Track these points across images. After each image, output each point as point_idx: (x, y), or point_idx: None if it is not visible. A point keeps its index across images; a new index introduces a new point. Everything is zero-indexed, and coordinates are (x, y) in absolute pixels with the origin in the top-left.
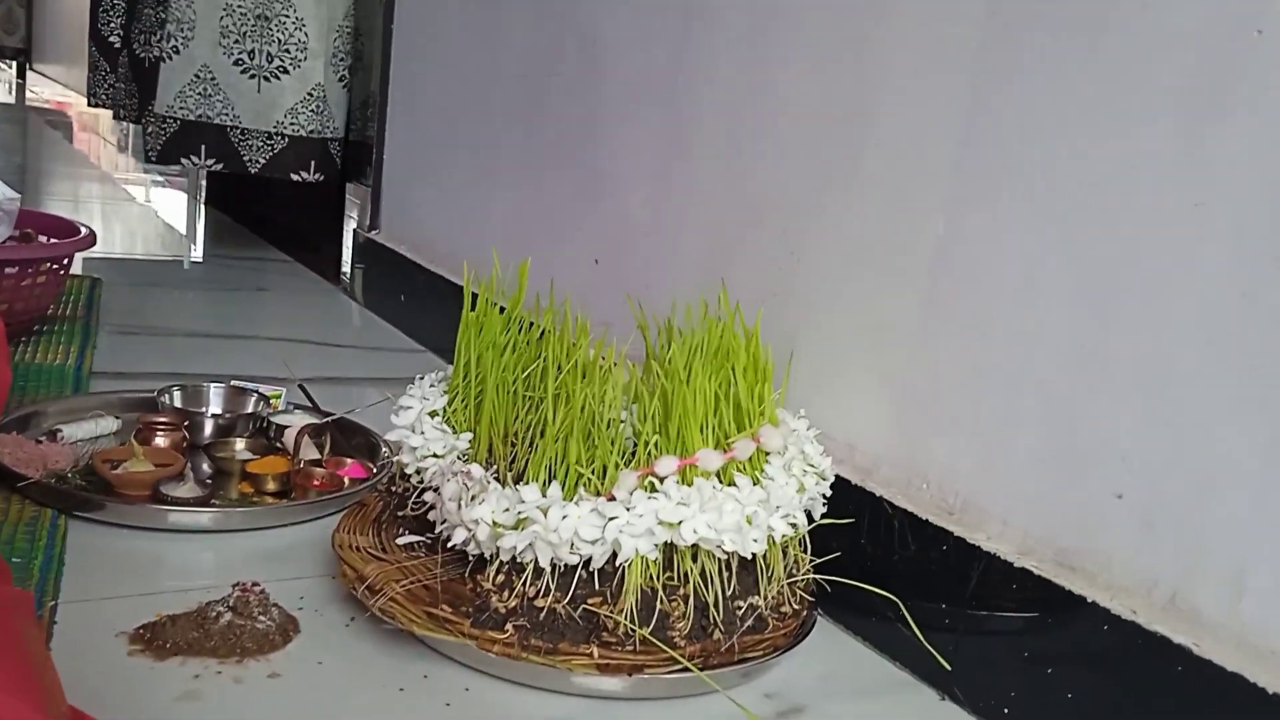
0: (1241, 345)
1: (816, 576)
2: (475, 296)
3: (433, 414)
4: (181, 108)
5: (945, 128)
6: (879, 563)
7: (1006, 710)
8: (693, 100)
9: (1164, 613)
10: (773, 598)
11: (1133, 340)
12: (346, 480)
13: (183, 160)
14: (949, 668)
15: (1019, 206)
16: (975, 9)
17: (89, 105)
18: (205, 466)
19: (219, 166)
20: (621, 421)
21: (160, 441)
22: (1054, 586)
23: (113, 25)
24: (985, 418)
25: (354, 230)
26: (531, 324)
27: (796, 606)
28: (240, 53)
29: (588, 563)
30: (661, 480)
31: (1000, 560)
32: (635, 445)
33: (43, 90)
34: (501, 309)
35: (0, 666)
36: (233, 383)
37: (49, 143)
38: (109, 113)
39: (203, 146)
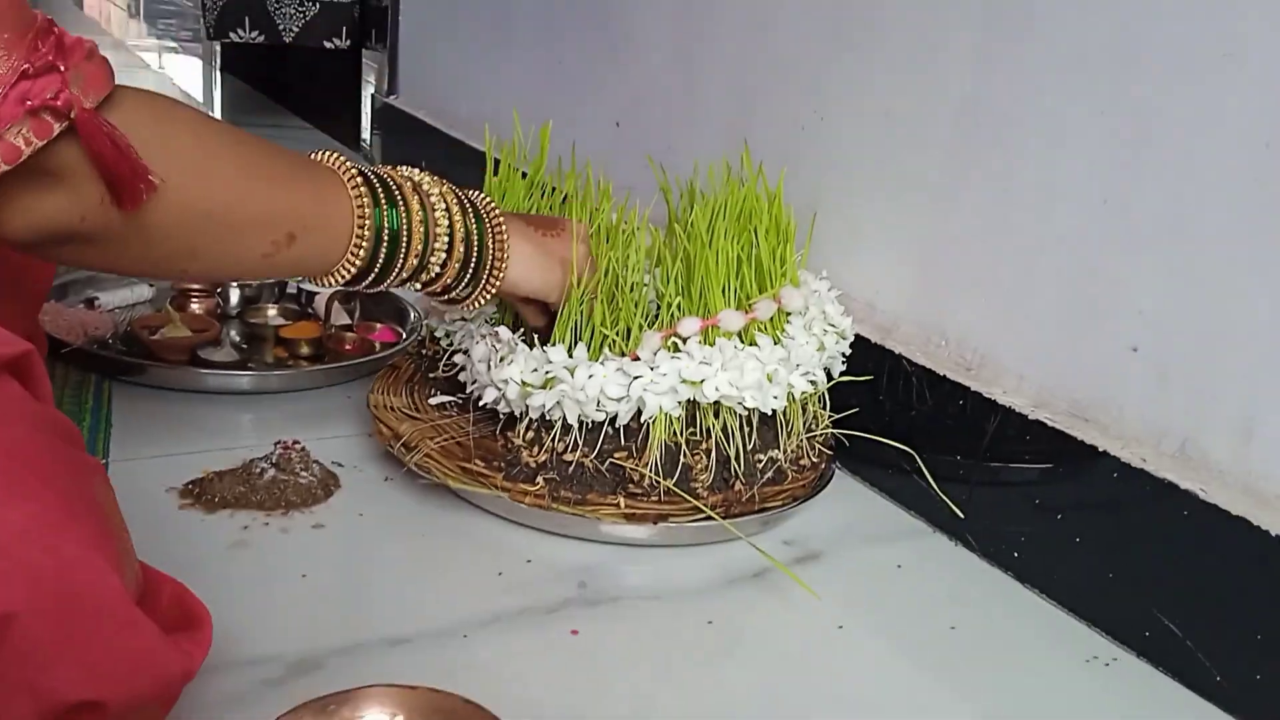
0: (1263, 200)
1: (835, 431)
2: (497, 162)
3: None
4: None
5: None
6: (897, 418)
7: (1016, 554)
8: None
9: (1173, 461)
10: (792, 451)
11: (1155, 194)
12: (377, 344)
13: (231, 34)
14: (962, 515)
15: (1045, 57)
16: None
17: None
18: (235, 334)
19: (261, 38)
20: (645, 285)
21: (195, 308)
22: (1067, 437)
23: None
24: (1004, 274)
25: (371, 95)
26: (554, 189)
27: (815, 460)
28: None
29: (614, 419)
30: (684, 341)
31: (1016, 413)
32: (659, 308)
33: None
34: (524, 174)
35: (81, 525)
36: None
37: (58, 9)
38: None
39: (246, 19)
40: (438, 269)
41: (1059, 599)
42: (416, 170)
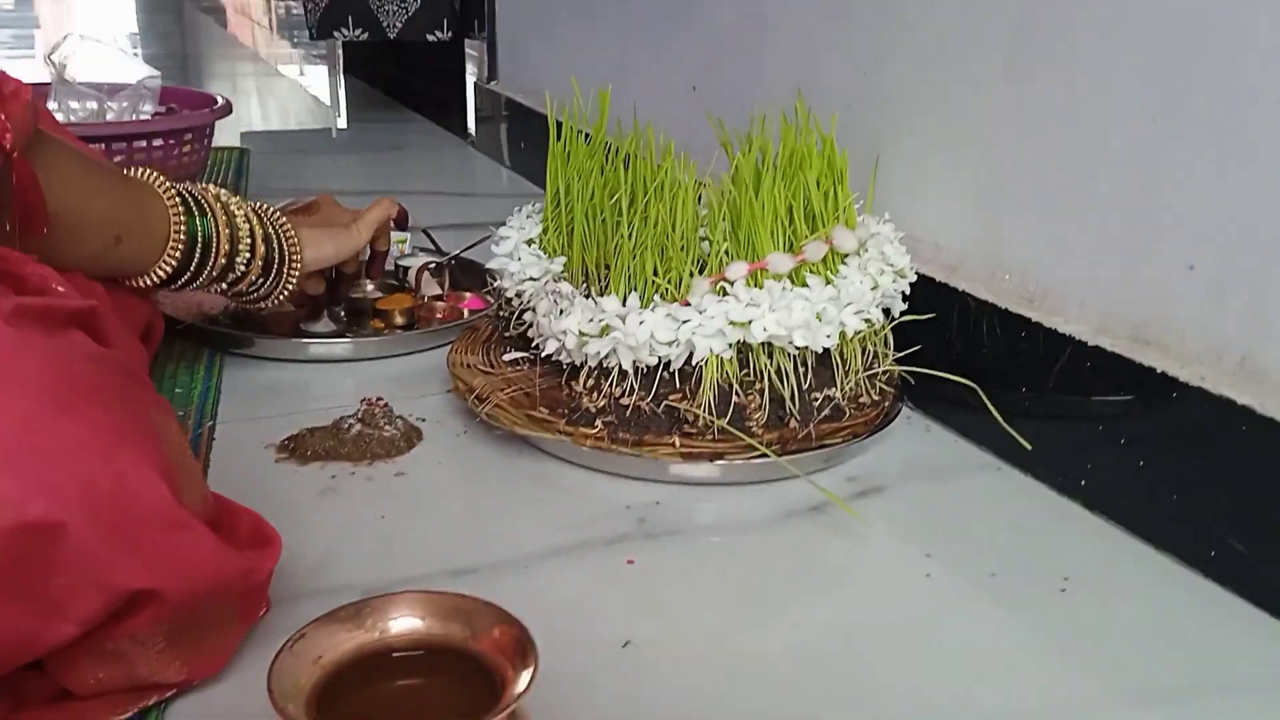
0: None
1: (900, 368)
2: (560, 126)
3: (529, 242)
4: None
5: None
6: (965, 355)
7: (1083, 482)
8: None
9: (1232, 377)
10: (850, 390)
11: (1205, 110)
12: (466, 312)
13: (334, 33)
14: (1029, 447)
15: None
16: None
17: None
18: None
19: (364, 36)
20: (702, 239)
21: None
22: (1128, 362)
23: None
24: (1062, 204)
25: (474, 84)
26: (617, 151)
27: (876, 398)
28: None
29: (667, 364)
30: (732, 284)
31: (1077, 341)
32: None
33: None
34: (586, 137)
35: (129, 440)
36: None
37: (203, 28)
38: None
39: (349, 18)
40: (243, 267)
41: (1127, 525)
42: (224, 190)
